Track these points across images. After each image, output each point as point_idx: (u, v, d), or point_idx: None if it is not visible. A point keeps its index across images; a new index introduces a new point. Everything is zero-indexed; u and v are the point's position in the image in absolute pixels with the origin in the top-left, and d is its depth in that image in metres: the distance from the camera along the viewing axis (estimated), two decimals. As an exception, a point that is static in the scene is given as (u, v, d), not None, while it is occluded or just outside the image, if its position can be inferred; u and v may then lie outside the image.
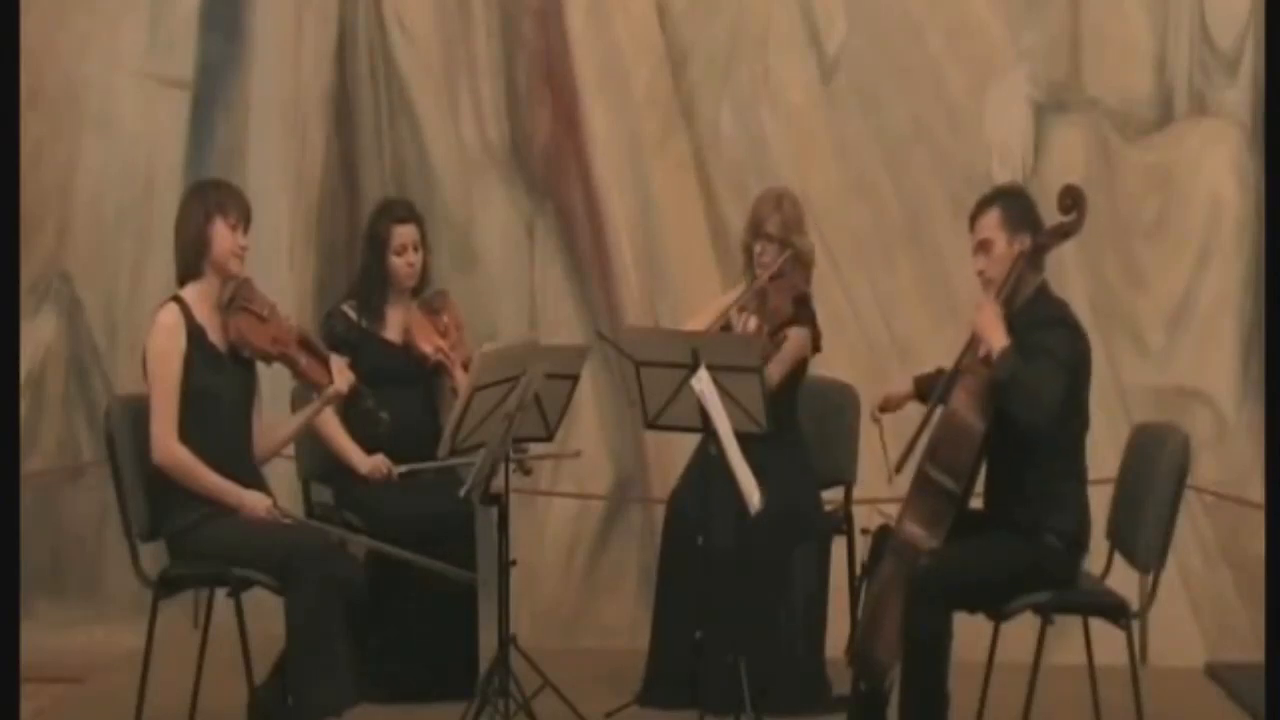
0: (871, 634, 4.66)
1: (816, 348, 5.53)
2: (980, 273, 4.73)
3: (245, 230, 4.84)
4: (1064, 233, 4.74)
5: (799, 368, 5.49)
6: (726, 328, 5.45)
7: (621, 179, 6.74)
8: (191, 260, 4.82)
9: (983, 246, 4.71)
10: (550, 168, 6.76)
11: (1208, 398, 6.54)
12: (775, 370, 5.33)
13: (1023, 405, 4.50)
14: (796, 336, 5.42)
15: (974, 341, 4.65)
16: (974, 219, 4.75)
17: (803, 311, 5.46)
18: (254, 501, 4.72)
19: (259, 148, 6.79)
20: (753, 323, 5.40)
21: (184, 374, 4.74)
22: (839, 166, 6.66)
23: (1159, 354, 6.58)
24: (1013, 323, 4.65)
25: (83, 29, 6.80)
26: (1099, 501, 4.90)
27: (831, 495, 5.65)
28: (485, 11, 6.76)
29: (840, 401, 5.73)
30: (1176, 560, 6.08)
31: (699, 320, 5.51)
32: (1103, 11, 6.58)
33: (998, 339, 4.56)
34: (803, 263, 5.49)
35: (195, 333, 4.77)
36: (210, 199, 4.82)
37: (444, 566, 4.96)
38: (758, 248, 5.48)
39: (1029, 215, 4.72)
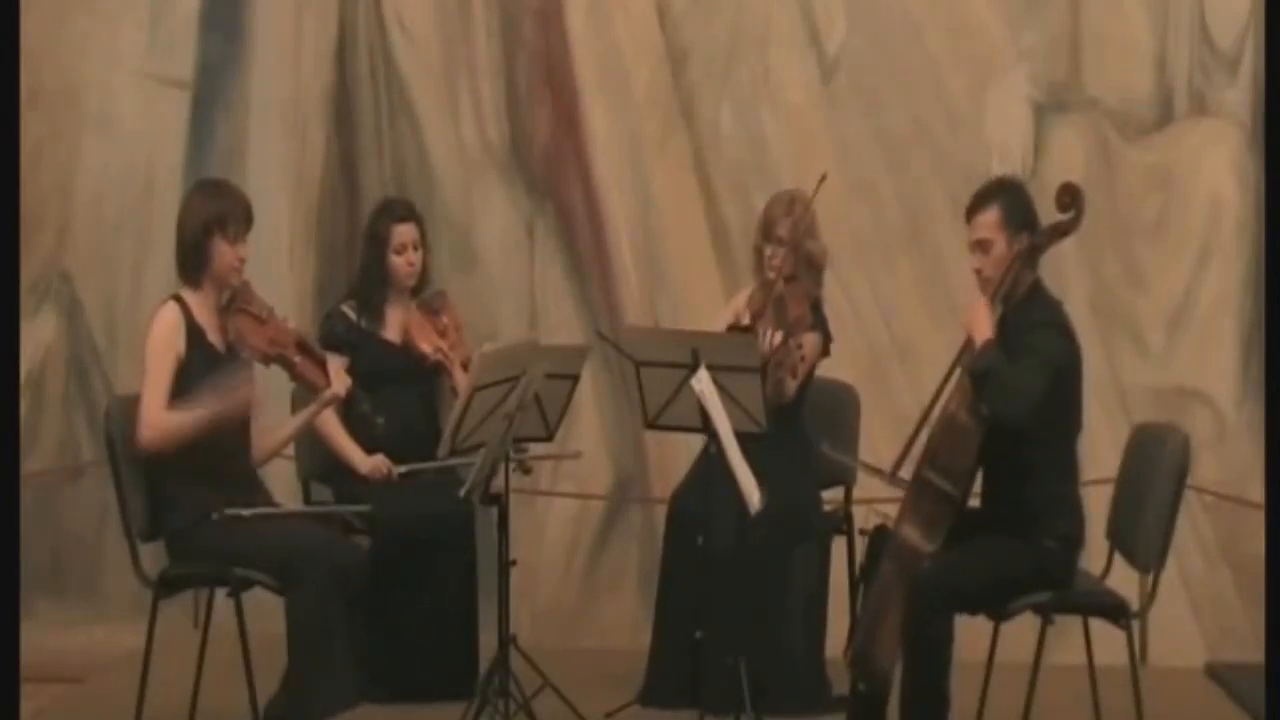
0: (872, 638, 4.65)
1: (826, 351, 5.53)
2: (977, 271, 4.72)
3: (246, 234, 4.84)
4: (1062, 231, 4.73)
5: (810, 372, 5.49)
6: (734, 328, 5.43)
7: (621, 179, 6.74)
8: (190, 271, 4.82)
9: (980, 245, 4.70)
10: (550, 168, 6.76)
11: (1208, 398, 6.54)
12: (793, 383, 5.33)
13: (998, 397, 4.51)
14: (810, 342, 5.42)
15: (970, 341, 4.65)
16: (971, 213, 4.72)
17: (815, 316, 5.46)
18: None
19: (259, 148, 6.79)
20: (778, 337, 5.35)
21: (183, 373, 4.74)
22: (839, 167, 6.63)
23: (1159, 354, 6.58)
24: (1005, 322, 4.66)
25: (83, 29, 6.79)
26: (1099, 501, 4.90)
27: (831, 495, 5.65)
28: (485, 11, 6.76)
29: (840, 401, 5.73)
30: (1176, 560, 6.07)
31: (721, 316, 5.53)
32: (1103, 11, 6.58)
33: (980, 332, 4.58)
34: (814, 266, 5.48)
35: (194, 332, 4.78)
36: (210, 211, 4.78)
37: (346, 508, 5.13)
38: (768, 251, 5.47)
39: (1028, 214, 4.71)
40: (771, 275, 5.44)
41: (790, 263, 5.42)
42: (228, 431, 4.81)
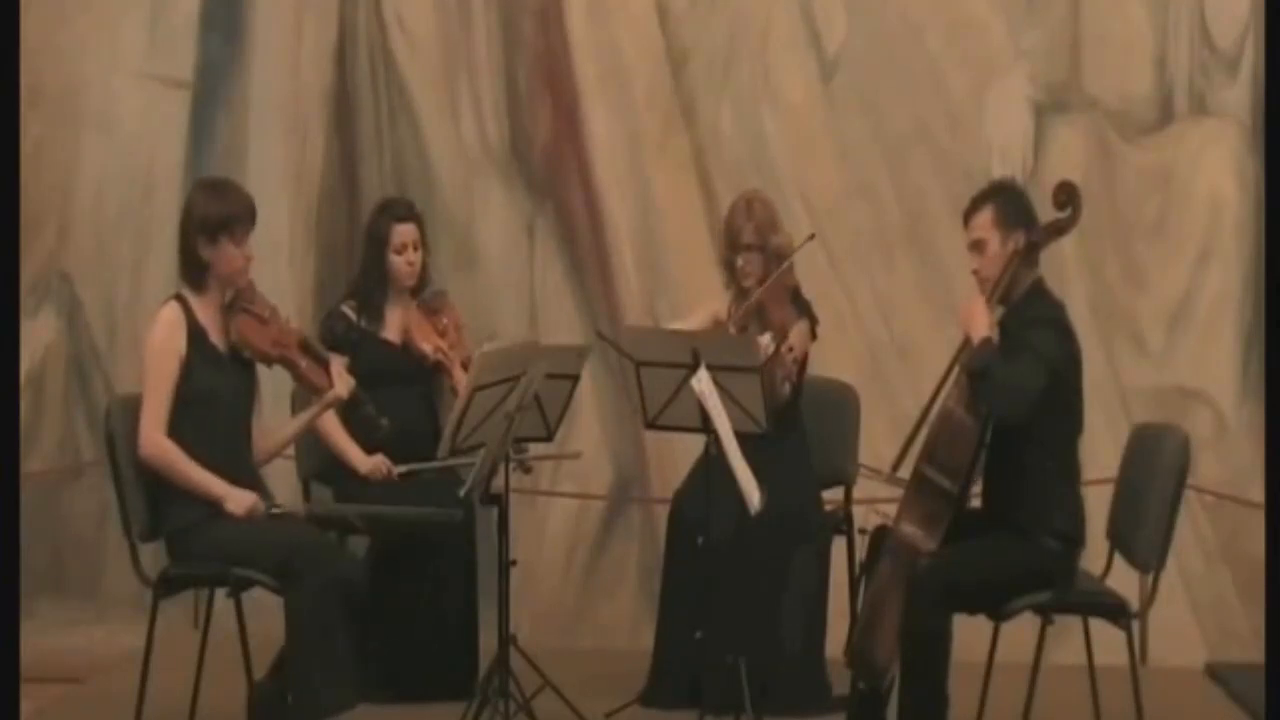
0: (870, 634, 4.66)
1: (813, 335, 5.52)
2: (975, 272, 4.74)
3: (250, 233, 4.82)
4: (1058, 229, 4.74)
5: (804, 361, 5.48)
6: None
7: (621, 179, 6.74)
8: (193, 272, 4.80)
9: (977, 246, 4.71)
10: (550, 168, 6.77)
11: (1208, 398, 6.54)
12: (788, 385, 5.32)
13: (995, 395, 4.51)
14: (798, 333, 5.42)
15: (968, 340, 4.66)
16: (968, 216, 4.75)
17: (798, 305, 5.47)
18: (238, 498, 4.70)
19: (259, 147, 6.79)
20: (767, 338, 5.33)
21: (184, 373, 4.73)
22: (839, 166, 6.66)
23: (1159, 354, 6.58)
24: (1005, 320, 4.67)
25: (83, 29, 6.80)
26: (1099, 501, 4.90)
27: (831, 495, 5.65)
28: (485, 12, 6.76)
29: (840, 401, 5.73)
30: (1176, 560, 6.08)
31: (687, 324, 5.52)
32: (1103, 11, 6.58)
33: (977, 330, 4.58)
34: (784, 257, 5.47)
35: (196, 332, 4.77)
36: (215, 213, 4.75)
37: (432, 510, 5.00)
38: (739, 260, 5.45)
39: (1023, 212, 4.72)
40: (749, 284, 5.44)
41: (762, 265, 5.42)
42: (230, 433, 4.81)
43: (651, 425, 5.10)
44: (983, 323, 4.61)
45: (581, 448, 6.24)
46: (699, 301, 5.78)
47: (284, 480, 5.61)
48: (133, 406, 4.78)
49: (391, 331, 5.63)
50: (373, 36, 6.81)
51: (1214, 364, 6.55)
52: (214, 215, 4.76)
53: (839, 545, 5.57)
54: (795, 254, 5.43)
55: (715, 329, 5.45)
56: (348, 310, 5.63)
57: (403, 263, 5.60)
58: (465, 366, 5.35)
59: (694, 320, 5.57)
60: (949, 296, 6.36)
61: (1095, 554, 4.85)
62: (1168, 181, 6.59)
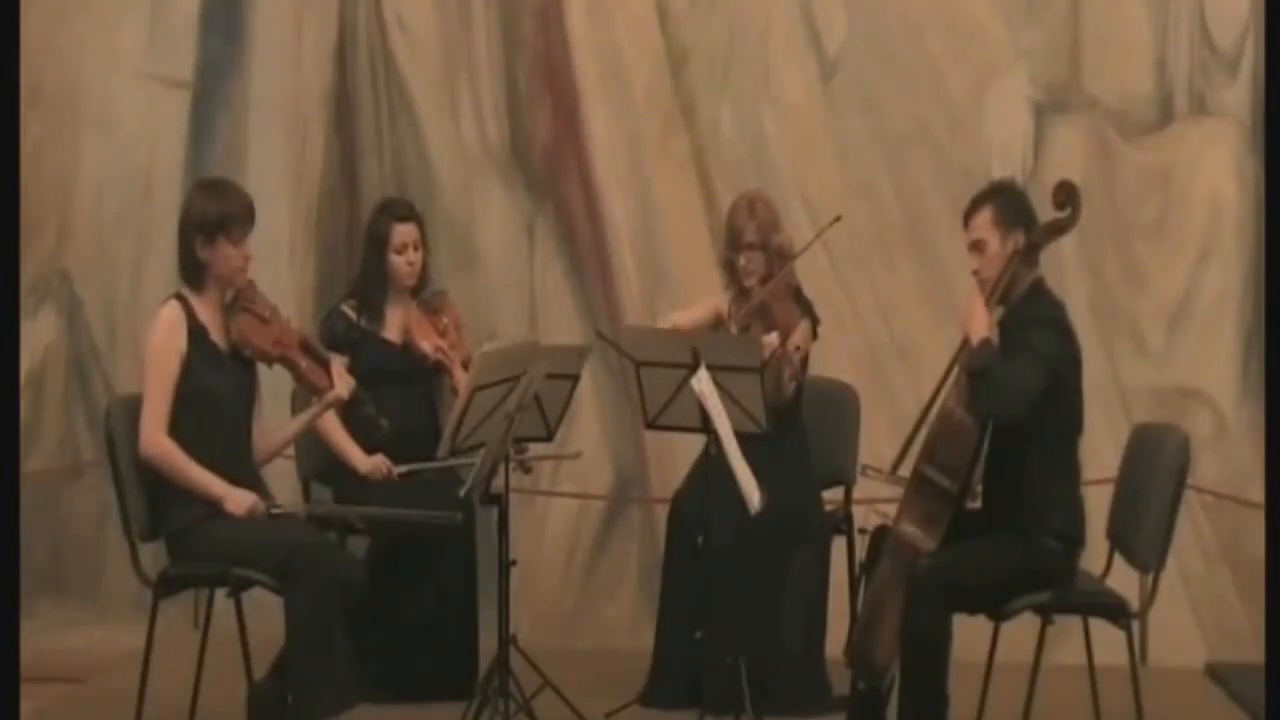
0: (870, 634, 4.66)
1: (814, 334, 5.52)
2: (975, 272, 4.74)
3: (249, 233, 4.82)
4: (1058, 229, 4.74)
5: (805, 360, 5.49)
6: None
7: (621, 179, 6.74)
8: (193, 272, 4.80)
9: (976, 246, 4.72)
10: (550, 168, 6.77)
11: (1208, 398, 6.54)
12: (792, 384, 5.32)
13: (994, 395, 4.52)
14: (800, 332, 5.42)
15: (968, 340, 4.66)
16: (968, 217, 4.75)
17: (800, 304, 5.47)
18: (238, 499, 4.70)
19: (259, 147, 6.79)
20: (773, 336, 5.33)
21: (184, 373, 4.73)
22: (839, 166, 6.66)
23: (1159, 354, 6.58)
24: (1005, 320, 4.67)
25: (83, 29, 6.80)
26: (1099, 501, 4.90)
27: (831, 495, 5.65)
28: (485, 11, 6.76)
29: (840, 401, 5.73)
30: (1176, 560, 6.08)
31: (686, 316, 5.53)
32: (1103, 11, 6.59)
33: (977, 330, 4.59)
34: (786, 256, 5.48)
35: (197, 331, 4.77)
36: (213, 213, 4.75)
37: (432, 513, 4.96)
38: (741, 260, 5.46)
39: (1022, 212, 4.72)
40: (750, 283, 5.44)
41: (764, 264, 5.43)
42: (230, 432, 4.81)
43: (651, 425, 5.10)
44: (982, 323, 4.62)
45: (581, 448, 6.25)
46: (699, 299, 5.78)
47: (284, 480, 5.61)
48: (133, 406, 4.79)
49: (392, 331, 5.63)
50: (373, 36, 6.81)
51: (1214, 364, 6.55)
52: (211, 215, 4.76)
53: (839, 545, 5.57)
54: (821, 236, 5.42)
55: (717, 326, 5.46)
56: (348, 310, 5.63)
57: (403, 263, 5.60)
58: (465, 366, 5.35)
59: (695, 312, 5.58)
60: (949, 296, 6.37)
61: (1095, 554, 4.86)
62: (1168, 181, 6.59)
